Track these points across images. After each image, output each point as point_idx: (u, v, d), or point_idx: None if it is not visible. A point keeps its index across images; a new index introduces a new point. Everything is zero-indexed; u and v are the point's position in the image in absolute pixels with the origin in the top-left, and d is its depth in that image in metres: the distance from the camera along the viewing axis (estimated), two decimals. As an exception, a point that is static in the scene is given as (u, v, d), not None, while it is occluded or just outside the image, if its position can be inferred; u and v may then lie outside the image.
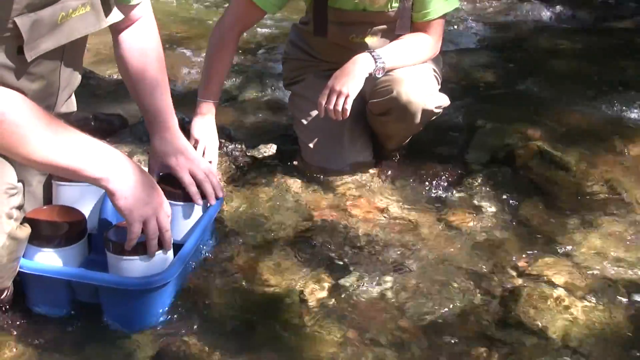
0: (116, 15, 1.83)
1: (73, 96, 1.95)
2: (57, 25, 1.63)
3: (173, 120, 2.01)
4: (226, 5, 4.58)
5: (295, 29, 2.65)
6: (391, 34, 2.37)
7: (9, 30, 1.53)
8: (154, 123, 2.00)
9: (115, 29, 1.96)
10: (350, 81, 2.22)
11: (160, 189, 1.73)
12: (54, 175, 1.88)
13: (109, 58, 3.35)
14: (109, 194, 1.63)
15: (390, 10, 2.33)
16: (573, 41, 3.94)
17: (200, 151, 2.26)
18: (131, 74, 1.99)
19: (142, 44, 1.99)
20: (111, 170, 1.61)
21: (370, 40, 2.40)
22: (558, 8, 4.48)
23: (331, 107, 2.24)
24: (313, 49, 2.56)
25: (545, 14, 4.44)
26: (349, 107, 2.23)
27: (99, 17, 1.77)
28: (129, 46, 1.98)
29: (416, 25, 2.37)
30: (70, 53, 1.78)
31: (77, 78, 1.91)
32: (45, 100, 1.76)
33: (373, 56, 2.26)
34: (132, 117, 2.75)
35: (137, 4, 1.95)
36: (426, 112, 2.33)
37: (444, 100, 2.39)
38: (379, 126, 2.47)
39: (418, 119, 2.33)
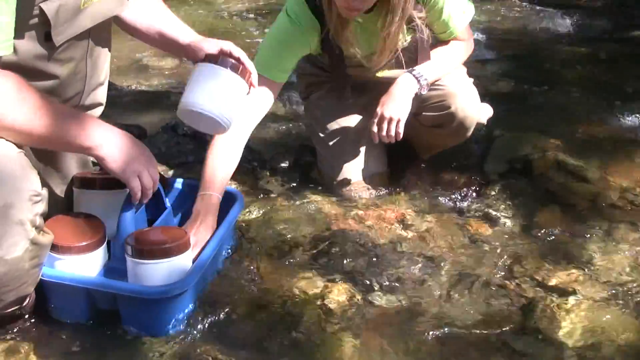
0: None
1: (103, 89, 1.98)
2: (80, 10, 1.69)
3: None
4: (256, 12, 4.60)
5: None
6: (412, 63, 2.35)
7: (36, 17, 1.59)
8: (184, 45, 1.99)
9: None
10: (399, 106, 2.26)
11: (145, 147, 1.80)
12: (75, 183, 1.91)
13: (128, 69, 3.41)
14: (99, 160, 1.71)
15: (405, 43, 2.31)
16: (590, 50, 3.92)
17: None
18: (147, 26, 2.01)
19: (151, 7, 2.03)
20: (99, 138, 1.68)
21: (393, 72, 2.37)
22: (575, 17, 4.47)
23: (384, 133, 2.27)
24: (327, 64, 2.55)
25: (562, 22, 4.42)
26: (401, 130, 2.26)
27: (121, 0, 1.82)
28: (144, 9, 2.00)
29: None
30: (96, 37, 1.82)
31: (105, 65, 1.95)
32: (74, 86, 1.81)
33: (414, 75, 2.28)
34: (151, 128, 2.78)
35: None
36: (478, 125, 2.41)
37: (491, 111, 2.49)
38: (428, 137, 2.49)
39: (470, 132, 2.40)
